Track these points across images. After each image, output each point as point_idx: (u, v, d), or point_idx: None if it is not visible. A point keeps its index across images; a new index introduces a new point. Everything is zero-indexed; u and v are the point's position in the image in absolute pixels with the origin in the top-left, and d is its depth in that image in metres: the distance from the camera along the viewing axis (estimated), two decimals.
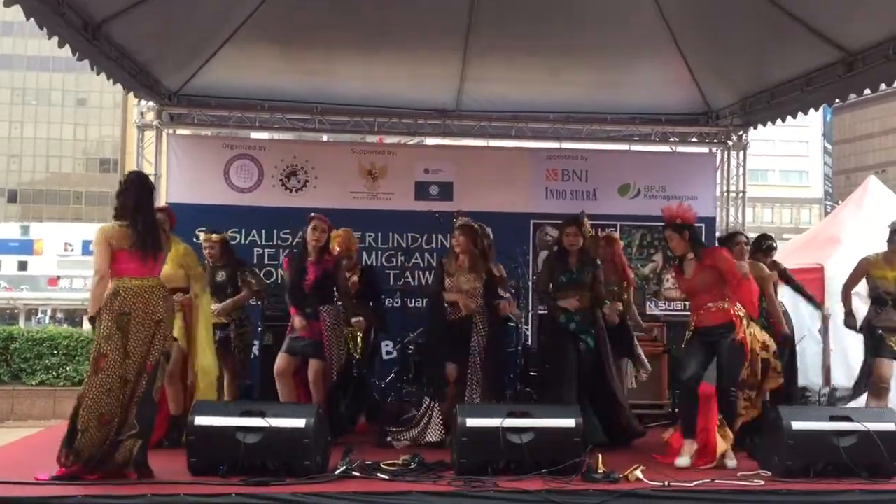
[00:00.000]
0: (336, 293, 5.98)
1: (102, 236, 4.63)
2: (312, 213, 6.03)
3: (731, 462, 5.15)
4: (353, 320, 6.16)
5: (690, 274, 5.35)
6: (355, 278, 6.59)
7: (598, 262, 6.15)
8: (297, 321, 5.84)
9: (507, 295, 6.43)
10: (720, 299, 5.28)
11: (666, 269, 8.04)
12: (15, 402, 11.64)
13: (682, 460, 5.16)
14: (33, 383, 11.66)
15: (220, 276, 6.27)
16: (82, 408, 4.53)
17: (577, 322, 5.91)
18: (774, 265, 6.51)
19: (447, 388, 5.90)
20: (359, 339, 6.45)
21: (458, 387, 5.86)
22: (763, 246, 6.53)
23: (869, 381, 6.14)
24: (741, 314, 5.28)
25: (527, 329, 7.39)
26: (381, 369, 7.41)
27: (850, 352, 7.55)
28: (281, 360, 5.88)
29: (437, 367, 6.00)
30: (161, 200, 8.17)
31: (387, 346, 7.69)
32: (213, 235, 6.36)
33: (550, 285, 6.01)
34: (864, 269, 6.20)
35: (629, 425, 6.02)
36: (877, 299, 6.15)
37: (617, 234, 6.44)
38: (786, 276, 6.68)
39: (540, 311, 7.38)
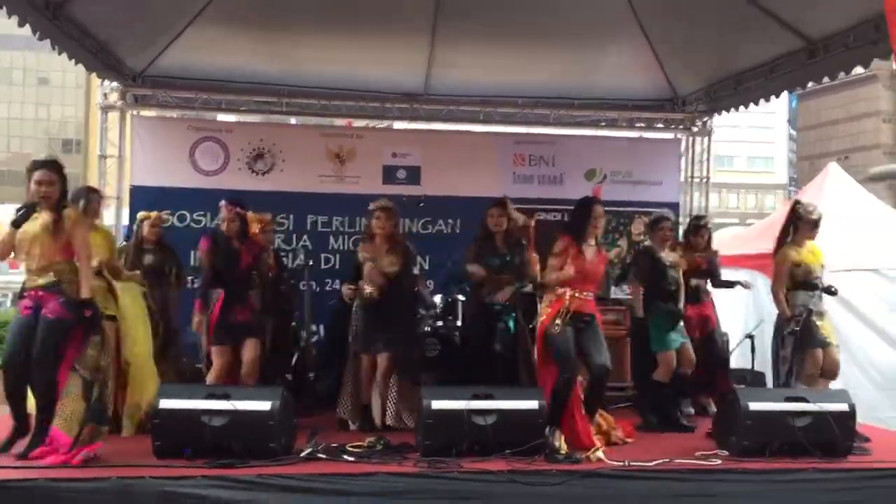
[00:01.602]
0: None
1: (86, 222, 4.78)
2: (221, 202, 5.97)
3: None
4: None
5: (591, 258, 5.34)
6: (271, 260, 6.55)
7: (524, 242, 6.15)
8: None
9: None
10: (595, 291, 5.44)
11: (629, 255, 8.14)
12: None
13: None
14: None
15: (148, 258, 6.29)
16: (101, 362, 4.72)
17: (502, 304, 5.92)
18: (707, 250, 6.52)
19: (356, 367, 5.99)
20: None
21: (370, 369, 5.94)
22: (691, 226, 6.67)
23: (800, 373, 5.93)
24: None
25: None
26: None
27: None
28: (220, 355, 5.71)
29: (345, 348, 6.11)
30: (125, 183, 8.13)
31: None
32: (163, 214, 6.54)
33: (479, 268, 5.95)
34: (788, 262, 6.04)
35: None
36: (806, 285, 6.00)
37: (531, 221, 6.48)
38: (711, 265, 6.50)
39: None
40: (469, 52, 7.87)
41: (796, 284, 6.02)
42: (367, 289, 5.89)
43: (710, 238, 6.63)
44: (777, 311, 6.09)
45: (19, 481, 4.18)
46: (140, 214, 6.49)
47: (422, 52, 7.81)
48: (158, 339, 5.97)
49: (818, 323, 5.94)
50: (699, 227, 6.60)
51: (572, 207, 5.57)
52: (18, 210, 4.68)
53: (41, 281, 4.66)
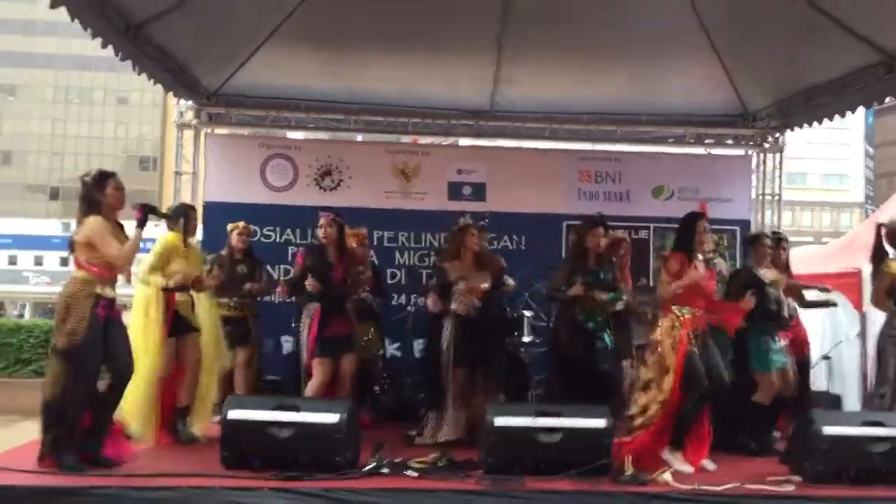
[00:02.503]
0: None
1: None
2: (321, 213, 6.14)
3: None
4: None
5: (704, 274, 5.31)
6: (369, 273, 6.79)
7: (613, 259, 6.12)
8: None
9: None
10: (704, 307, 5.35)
11: None
12: None
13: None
14: None
15: (241, 268, 6.50)
16: None
17: (596, 321, 5.90)
18: (787, 268, 6.37)
19: (445, 396, 5.97)
20: (366, 337, 6.61)
21: (471, 391, 5.93)
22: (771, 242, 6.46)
23: None
24: None
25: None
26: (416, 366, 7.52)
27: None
28: (322, 367, 5.79)
29: (437, 374, 6.09)
30: (199, 199, 8.35)
31: (419, 343, 7.76)
32: (251, 226, 6.79)
33: (580, 287, 5.95)
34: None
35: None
36: None
37: (624, 235, 6.44)
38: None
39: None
40: (534, 69, 7.86)
41: None
42: (461, 309, 5.93)
43: (788, 256, 6.45)
44: (880, 336, 5.93)
45: (91, 489, 4.29)
46: (230, 226, 6.69)
47: (487, 69, 7.83)
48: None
49: None
50: (779, 241, 6.43)
51: (678, 224, 5.47)
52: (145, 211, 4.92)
53: (113, 293, 4.85)
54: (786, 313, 6.09)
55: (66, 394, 4.66)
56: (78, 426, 4.73)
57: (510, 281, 6.43)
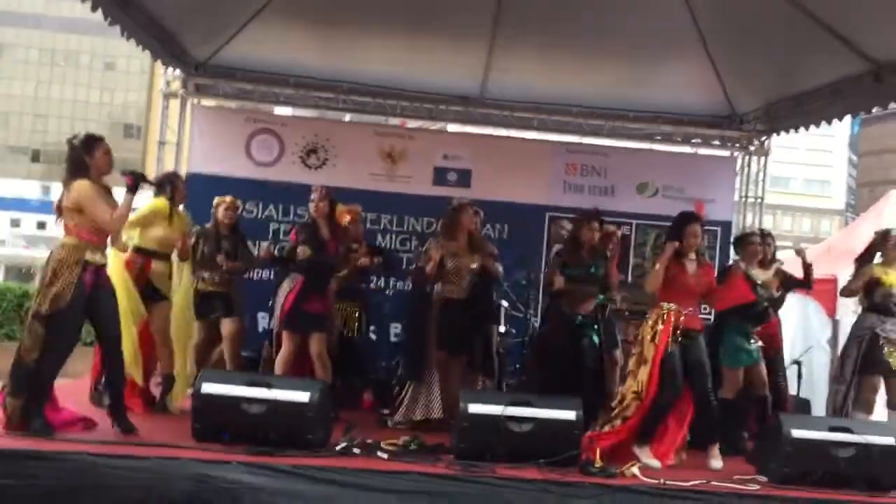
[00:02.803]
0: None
1: None
2: (313, 186, 6.17)
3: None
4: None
5: (693, 272, 5.32)
6: (364, 249, 6.72)
7: (608, 254, 6.15)
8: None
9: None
10: (696, 305, 5.38)
11: None
12: None
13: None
14: None
15: (225, 244, 6.39)
16: None
17: (584, 316, 5.94)
18: (772, 263, 6.37)
19: (425, 369, 5.99)
20: (355, 317, 6.54)
21: (451, 369, 5.94)
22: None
23: (857, 398, 5.94)
24: None
25: (535, 321, 7.42)
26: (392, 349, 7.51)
27: None
28: (289, 341, 5.80)
29: (419, 348, 6.09)
30: (182, 169, 8.27)
31: (395, 328, 7.77)
32: (238, 200, 6.58)
33: (561, 279, 6.00)
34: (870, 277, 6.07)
35: None
36: (879, 307, 5.98)
37: (616, 230, 6.46)
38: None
39: None
40: (527, 59, 7.85)
41: (871, 305, 5.96)
42: (452, 288, 5.94)
43: (775, 252, 6.49)
44: (848, 335, 6.07)
45: (60, 454, 4.27)
46: (216, 199, 6.57)
47: (479, 55, 7.81)
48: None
49: (887, 350, 5.82)
50: (764, 237, 6.46)
51: (669, 224, 5.49)
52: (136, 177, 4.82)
53: (102, 259, 4.80)
54: (772, 313, 6.15)
55: (43, 358, 4.62)
56: (49, 391, 4.70)
57: (498, 267, 6.44)
